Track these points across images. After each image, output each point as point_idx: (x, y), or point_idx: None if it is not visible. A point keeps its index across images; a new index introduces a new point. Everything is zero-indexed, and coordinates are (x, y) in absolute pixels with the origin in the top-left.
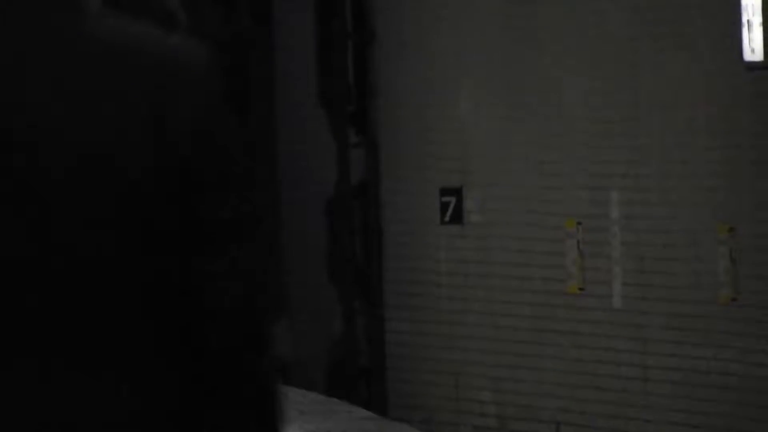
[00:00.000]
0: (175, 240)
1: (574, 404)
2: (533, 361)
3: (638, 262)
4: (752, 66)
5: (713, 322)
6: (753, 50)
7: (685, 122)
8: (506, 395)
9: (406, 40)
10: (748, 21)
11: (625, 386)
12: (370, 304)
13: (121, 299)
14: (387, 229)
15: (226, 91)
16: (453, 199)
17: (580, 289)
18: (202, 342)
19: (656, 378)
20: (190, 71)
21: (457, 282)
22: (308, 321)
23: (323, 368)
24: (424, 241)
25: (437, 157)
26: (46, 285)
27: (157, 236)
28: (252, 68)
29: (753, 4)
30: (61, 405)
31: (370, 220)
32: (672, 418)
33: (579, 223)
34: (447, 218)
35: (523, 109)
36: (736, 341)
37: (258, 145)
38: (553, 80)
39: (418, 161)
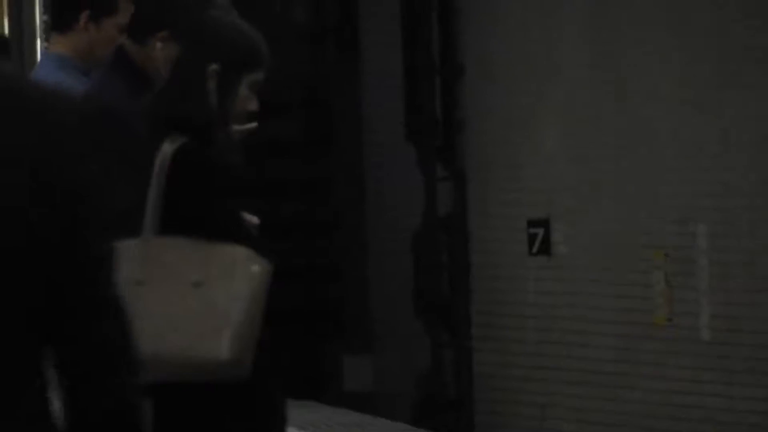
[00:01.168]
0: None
1: None
2: (620, 393)
3: (726, 294)
4: None
5: None
6: None
7: None
8: (592, 427)
9: (494, 73)
10: None
11: (711, 417)
12: (457, 336)
13: None
14: (474, 262)
15: (313, 126)
16: (541, 231)
17: (668, 320)
18: None
19: (743, 409)
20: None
21: (544, 313)
22: (396, 354)
23: (411, 401)
24: (511, 273)
25: (524, 189)
26: None
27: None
28: (338, 102)
29: None
30: None
31: (457, 253)
32: None
33: (666, 255)
34: (535, 250)
35: (610, 143)
36: None
37: (343, 179)
38: (641, 115)
39: (505, 194)
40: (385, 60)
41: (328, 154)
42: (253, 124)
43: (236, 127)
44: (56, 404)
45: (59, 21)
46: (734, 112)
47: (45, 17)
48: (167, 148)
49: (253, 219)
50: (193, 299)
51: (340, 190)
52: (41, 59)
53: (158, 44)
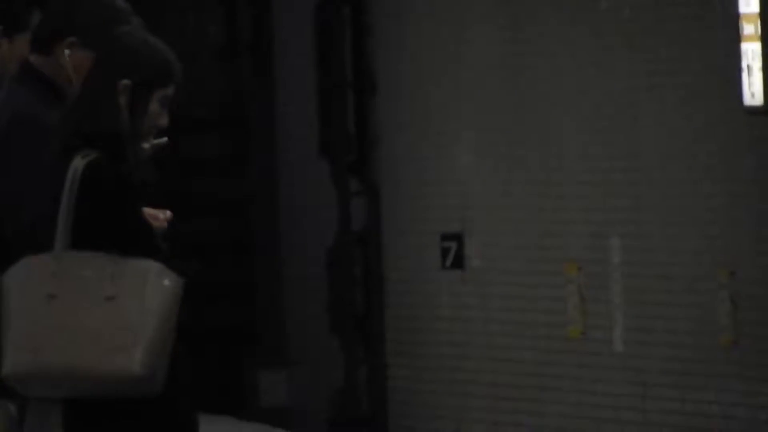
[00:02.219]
0: None
1: None
2: (535, 406)
3: (639, 306)
4: (752, 111)
5: (714, 365)
6: (753, 95)
7: (685, 169)
8: None
9: (407, 90)
10: (747, 66)
11: (626, 429)
12: (371, 352)
13: None
14: (388, 277)
15: (228, 142)
16: (454, 245)
17: (582, 333)
18: None
19: (657, 422)
20: None
21: (458, 328)
22: (311, 370)
23: (326, 416)
24: (425, 287)
25: (438, 204)
26: None
27: None
28: (253, 119)
29: (753, 49)
30: None
31: (371, 268)
32: None
33: (580, 268)
34: (448, 264)
35: (523, 158)
36: (737, 385)
37: (258, 195)
38: (554, 130)
39: (419, 209)
40: (298, 76)
41: (243, 171)
42: (164, 140)
43: (147, 143)
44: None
45: None
46: (646, 126)
47: None
48: (78, 163)
49: (166, 213)
50: (105, 313)
51: (255, 206)
52: None
53: (66, 51)
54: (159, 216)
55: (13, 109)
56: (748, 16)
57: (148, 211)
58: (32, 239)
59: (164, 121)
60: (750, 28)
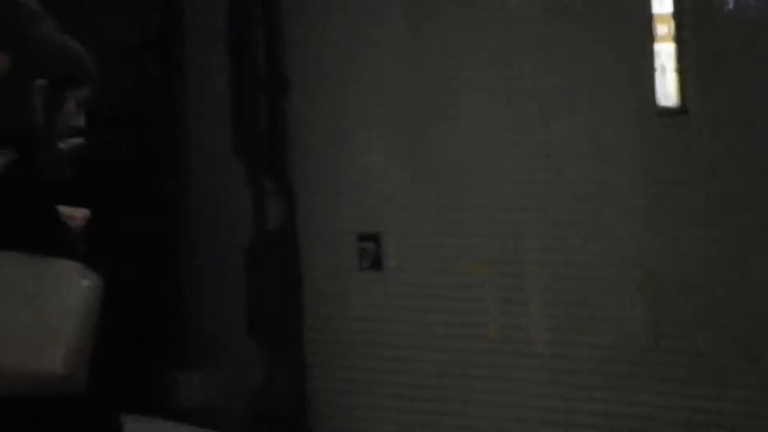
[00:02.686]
0: None
1: None
2: (454, 408)
3: (558, 307)
4: (665, 112)
5: (635, 366)
6: (666, 96)
7: (598, 170)
8: None
9: (320, 89)
10: (661, 66)
11: (546, 431)
12: (289, 353)
13: None
14: (305, 278)
15: (138, 142)
16: (371, 245)
17: (501, 334)
18: None
19: (580, 423)
20: None
21: (376, 328)
22: (229, 371)
23: (243, 418)
24: (342, 288)
25: (353, 204)
26: None
27: None
28: (164, 119)
29: (666, 50)
30: None
31: (287, 269)
32: None
33: (498, 269)
34: (365, 264)
35: (438, 157)
36: (658, 386)
37: (172, 197)
38: (467, 130)
39: (335, 208)
40: (210, 76)
41: (156, 172)
42: (79, 140)
43: (62, 143)
44: None
45: None
46: (557, 125)
47: None
48: None
49: (83, 212)
50: (25, 314)
51: (169, 207)
52: None
53: None
54: (76, 215)
55: None
56: (661, 17)
57: (64, 210)
58: None
59: (80, 121)
60: (663, 29)
